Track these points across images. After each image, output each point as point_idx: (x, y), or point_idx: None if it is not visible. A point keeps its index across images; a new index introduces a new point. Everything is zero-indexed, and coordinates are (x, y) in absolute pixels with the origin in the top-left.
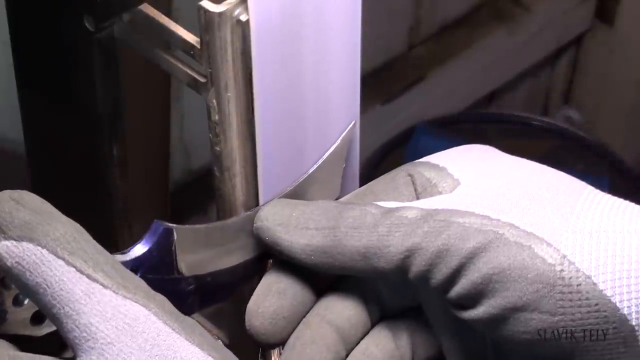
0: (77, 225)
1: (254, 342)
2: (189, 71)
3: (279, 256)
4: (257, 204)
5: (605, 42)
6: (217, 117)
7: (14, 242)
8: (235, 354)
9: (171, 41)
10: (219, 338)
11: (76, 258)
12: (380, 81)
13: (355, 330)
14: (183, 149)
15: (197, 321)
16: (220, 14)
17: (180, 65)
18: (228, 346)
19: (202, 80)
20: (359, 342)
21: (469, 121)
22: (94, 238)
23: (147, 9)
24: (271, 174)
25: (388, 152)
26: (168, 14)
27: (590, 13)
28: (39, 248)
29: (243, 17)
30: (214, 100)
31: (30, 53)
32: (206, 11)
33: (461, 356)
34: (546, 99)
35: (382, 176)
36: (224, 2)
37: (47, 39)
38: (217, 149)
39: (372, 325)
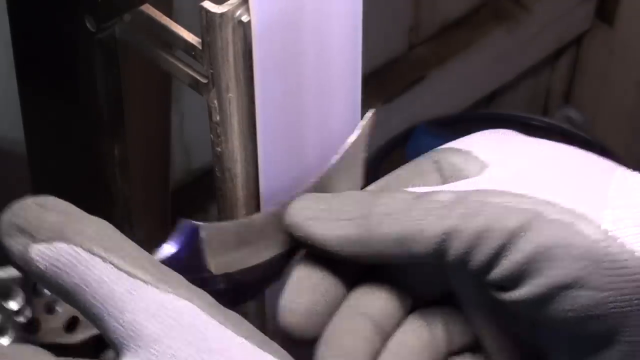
0: (108, 223)
1: (288, 338)
2: (190, 72)
3: (312, 250)
4: (258, 204)
5: (605, 42)
6: (218, 118)
7: (46, 245)
8: None
9: (172, 42)
10: None
11: (113, 255)
12: (380, 81)
13: (388, 320)
14: (183, 149)
15: None
16: (221, 14)
17: (182, 66)
18: None
19: (204, 80)
20: (393, 333)
21: (469, 121)
22: None
23: (149, 9)
24: (272, 174)
25: (388, 152)
26: (169, 15)
27: (590, 13)
28: (73, 247)
29: (244, 18)
30: (215, 101)
31: (31, 53)
32: (208, 12)
33: (497, 341)
34: (546, 99)
35: (406, 164)
36: (226, 3)
37: (48, 39)
38: (218, 149)
39: (405, 316)
